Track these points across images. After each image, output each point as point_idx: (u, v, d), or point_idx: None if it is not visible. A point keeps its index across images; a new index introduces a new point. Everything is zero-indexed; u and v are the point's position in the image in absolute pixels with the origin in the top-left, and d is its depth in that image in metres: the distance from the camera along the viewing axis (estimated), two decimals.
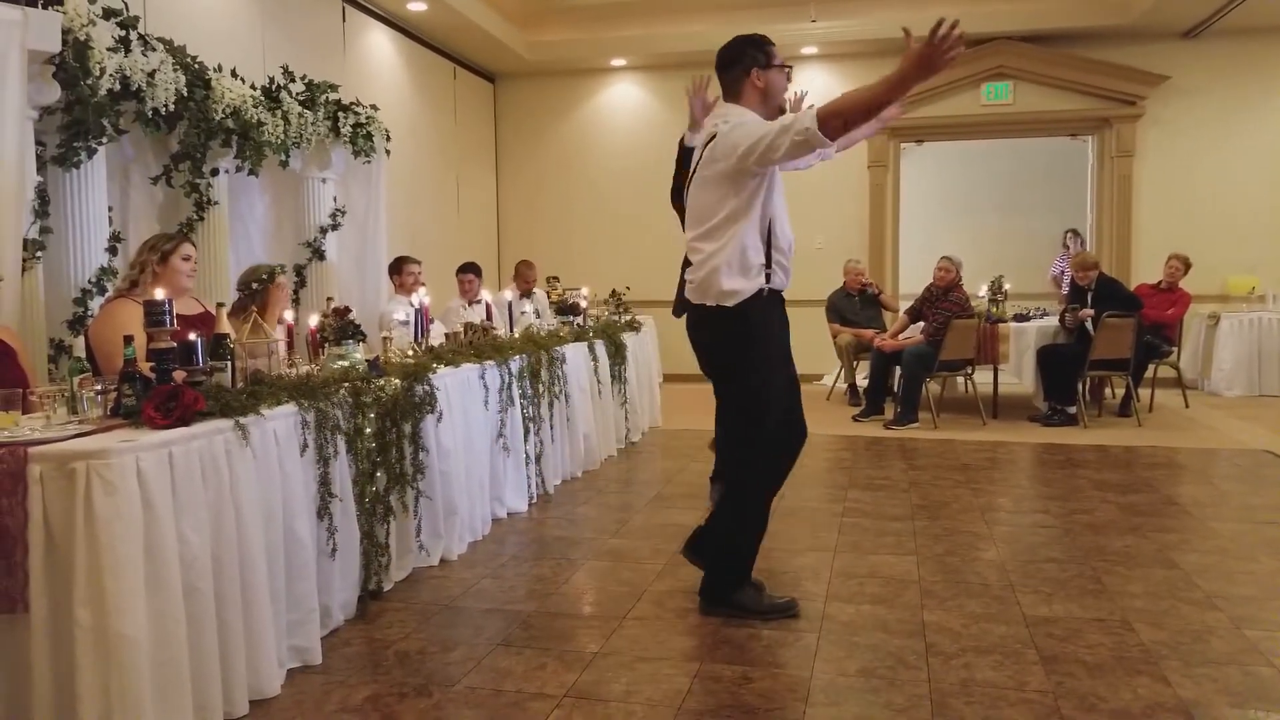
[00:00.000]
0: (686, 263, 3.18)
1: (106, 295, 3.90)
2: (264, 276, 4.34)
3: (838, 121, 2.74)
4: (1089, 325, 6.93)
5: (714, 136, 2.99)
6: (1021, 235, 11.06)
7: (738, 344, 3.05)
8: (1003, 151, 10.81)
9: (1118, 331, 6.81)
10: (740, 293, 3.00)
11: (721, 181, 2.96)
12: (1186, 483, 5.24)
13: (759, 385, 3.06)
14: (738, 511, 3.19)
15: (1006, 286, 7.89)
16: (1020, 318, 7.64)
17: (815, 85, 9.59)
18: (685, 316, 3.24)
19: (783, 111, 3.10)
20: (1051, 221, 10.84)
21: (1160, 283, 7.78)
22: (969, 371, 7.29)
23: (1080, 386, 7.11)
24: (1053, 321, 7.40)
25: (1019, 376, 7.48)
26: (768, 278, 3.03)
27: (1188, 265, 7.73)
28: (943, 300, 7.04)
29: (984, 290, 7.83)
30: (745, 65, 3.02)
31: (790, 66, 3.12)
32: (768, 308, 3.06)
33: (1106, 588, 3.48)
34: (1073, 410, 7.01)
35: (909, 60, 2.65)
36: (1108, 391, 7.87)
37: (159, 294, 2.70)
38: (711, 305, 3.05)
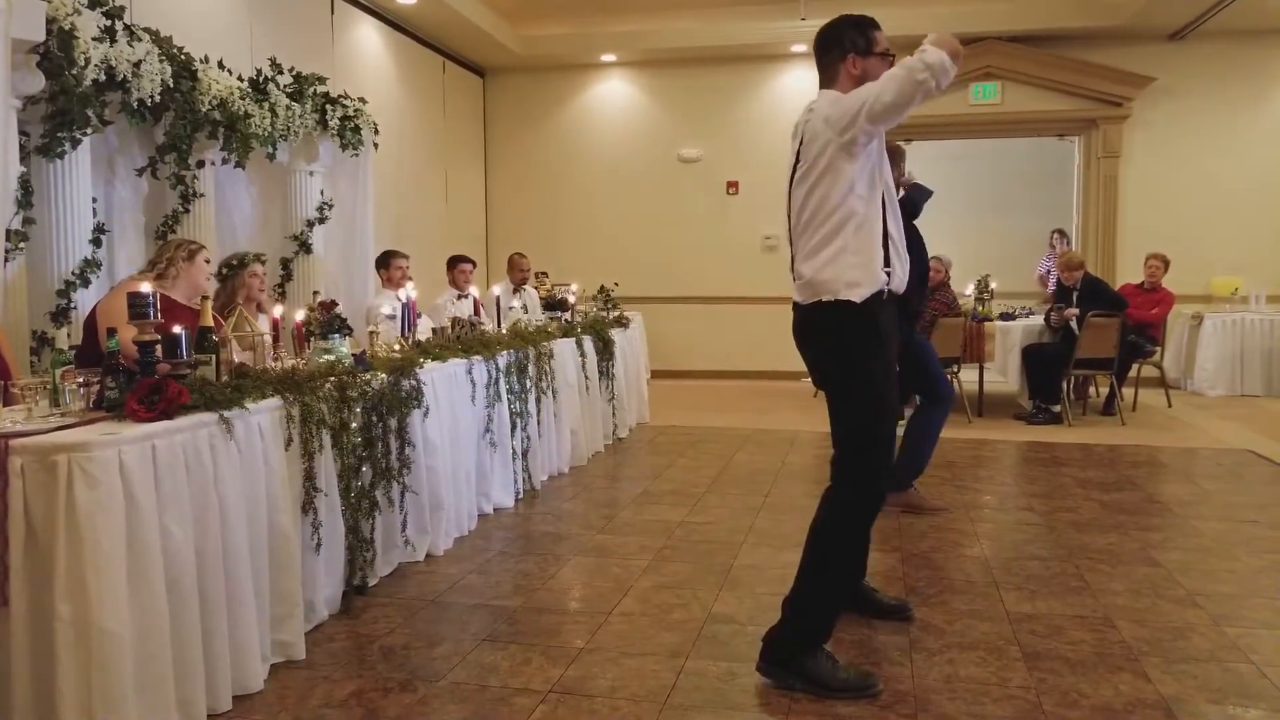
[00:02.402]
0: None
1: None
2: (234, 263, 4.37)
3: (955, 51, 2.48)
4: (1074, 325, 6.98)
5: (806, 123, 2.70)
6: (1008, 235, 11.12)
7: (860, 345, 2.66)
8: (990, 151, 10.86)
9: (1102, 331, 6.86)
10: (863, 285, 2.62)
11: (829, 166, 2.62)
12: (1169, 481, 5.28)
13: (882, 394, 2.67)
14: (836, 547, 2.72)
15: (993, 285, 7.93)
16: (1006, 317, 7.68)
17: (806, 83, 9.72)
18: (793, 325, 2.83)
19: None
20: (1038, 221, 10.89)
21: (1143, 283, 7.83)
22: (955, 370, 7.33)
23: (1065, 385, 7.17)
24: (1038, 320, 7.44)
25: (1004, 375, 7.53)
26: (889, 276, 2.67)
27: (1167, 263, 7.79)
28: (930, 299, 7.07)
29: (970, 289, 7.87)
30: (843, 49, 2.71)
31: (893, 55, 2.73)
32: (888, 309, 2.71)
33: (1089, 585, 3.51)
34: (1057, 409, 7.06)
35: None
36: (1092, 390, 7.92)
37: (144, 287, 2.68)
38: (829, 301, 2.64)
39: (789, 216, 2.79)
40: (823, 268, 2.65)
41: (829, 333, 2.69)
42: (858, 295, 2.61)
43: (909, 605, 3.23)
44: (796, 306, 2.77)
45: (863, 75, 2.68)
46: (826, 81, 2.77)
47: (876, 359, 2.66)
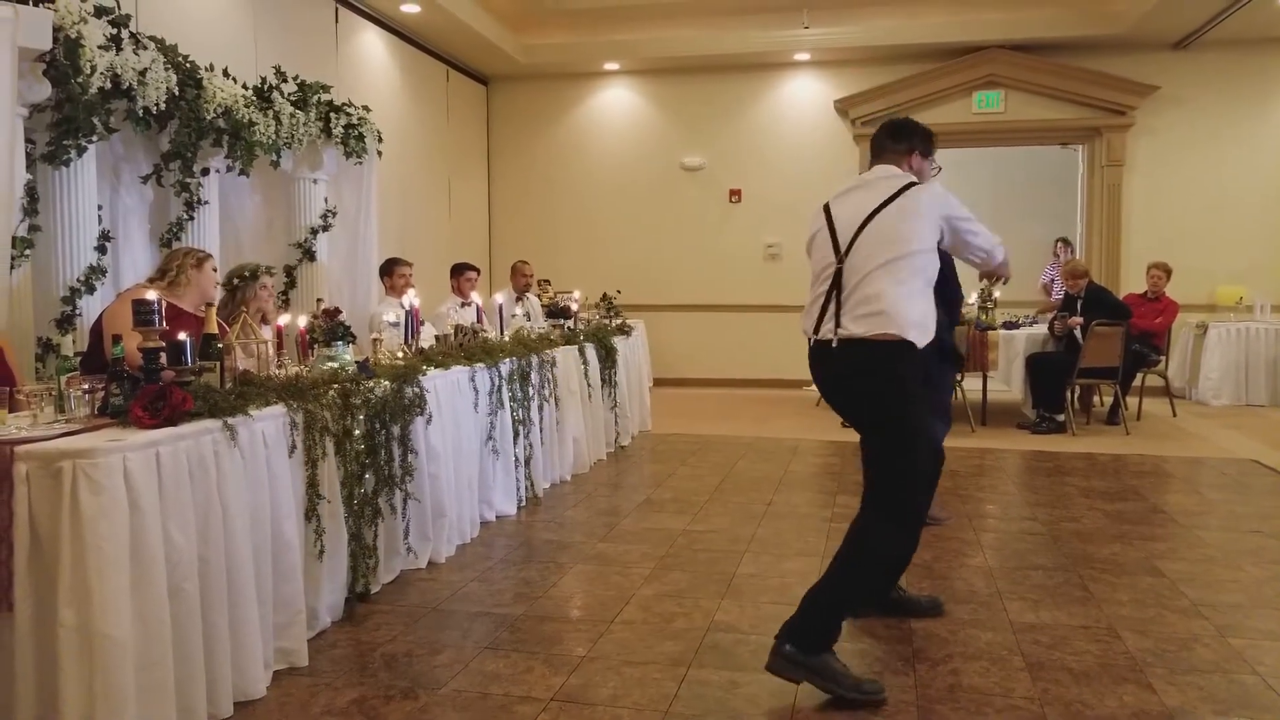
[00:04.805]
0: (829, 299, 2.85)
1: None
2: (246, 275, 4.37)
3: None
4: (1078, 333, 6.97)
5: (908, 186, 2.87)
6: (1011, 243, 11.01)
7: (907, 386, 2.73)
8: (993, 160, 10.86)
9: (1106, 340, 6.85)
10: (926, 329, 2.75)
11: (925, 219, 2.81)
12: (1173, 491, 5.27)
13: (922, 435, 2.80)
14: (869, 564, 2.77)
15: (996, 294, 7.92)
16: (1010, 325, 7.67)
17: (808, 92, 9.74)
18: (824, 359, 2.84)
19: None
20: (1041, 230, 10.89)
21: (1147, 292, 7.83)
22: (958, 378, 7.31)
23: (1069, 394, 7.15)
24: (1042, 329, 7.43)
25: (1008, 384, 7.51)
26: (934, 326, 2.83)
27: (1169, 273, 7.78)
28: None
29: (974, 297, 7.86)
30: (912, 145, 3.07)
31: (940, 168, 3.20)
32: (925, 356, 2.81)
33: (1093, 595, 3.50)
34: (1061, 418, 7.04)
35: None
36: (1096, 400, 7.90)
37: (150, 294, 2.69)
38: (894, 338, 2.69)
39: (846, 244, 2.82)
40: (897, 304, 2.70)
41: (880, 371, 2.73)
42: (920, 339, 2.74)
43: (939, 600, 3.37)
44: (838, 343, 2.75)
45: (917, 171, 3.04)
46: (885, 160, 3.06)
47: (917, 400, 2.77)
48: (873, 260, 2.75)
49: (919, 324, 2.73)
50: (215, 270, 3.96)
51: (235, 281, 4.38)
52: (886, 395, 2.75)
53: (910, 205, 2.82)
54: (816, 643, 2.66)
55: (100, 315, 3.75)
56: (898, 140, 3.09)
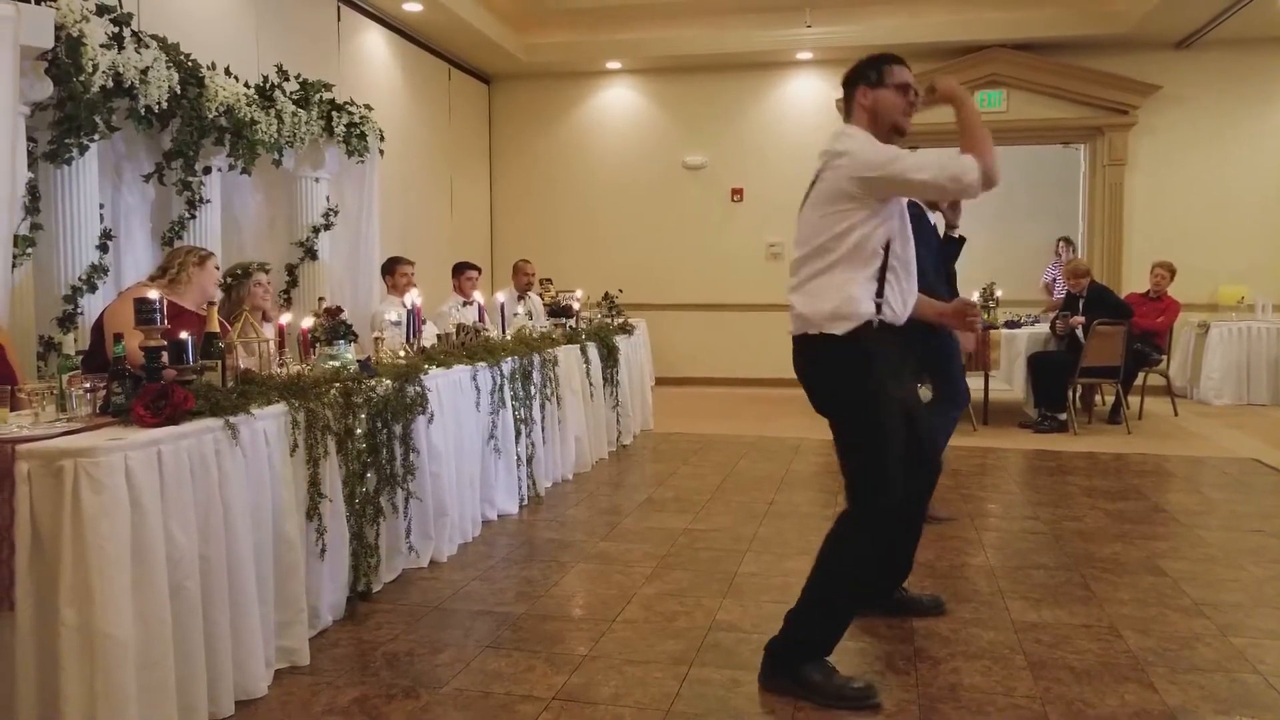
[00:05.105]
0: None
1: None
2: (239, 272, 4.38)
3: (990, 155, 2.65)
4: (1079, 333, 6.96)
5: (833, 153, 2.71)
6: (1013, 243, 11.10)
7: (845, 378, 2.68)
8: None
9: (1108, 339, 6.84)
10: (848, 319, 2.64)
11: (833, 198, 2.66)
12: (1175, 490, 5.26)
13: (872, 425, 2.66)
14: (844, 566, 2.72)
15: (998, 293, 7.92)
16: (1011, 324, 7.67)
17: (810, 91, 9.74)
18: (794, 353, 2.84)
19: (900, 133, 2.81)
20: (1043, 229, 10.87)
21: (1149, 291, 7.82)
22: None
23: (1070, 393, 7.15)
24: (1044, 328, 7.43)
25: (1010, 383, 7.51)
26: (878, 307, 2.67)
27: (1173, 272, 7.77)
28: None
29: (976, 297, 7.85)
30: (855, 82, 2.80)
31: (912, 89, 2.79)
32: (881, 338, 2.68)
33: (1095, 594, 3.50)
34: (1063, 417, 7.04)
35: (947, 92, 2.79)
36: (1098, 399, 7.90)
37: (152, 293, 2.69)
38: (814, 334, 2.69)
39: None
40: (808, 301, 2.70)
41: (818, 366, 2.74)
42: (840, 329, 2.64)
43: (941, 599, 3.35)
44: (793, 338, 2.79)
45: (873, 106, 2.76)
46: (847, 115, 2.86)
47: (871, 393, 2.64)
48: (796, 255, 2.77)
49: (836, 314, 2.64)
50: (218, 269, 3.96)
51: (229, 280, 4.40)
52: (837, 388, 2.72)
53: (822, 189, 2.69)
54: (797, 653, 2.67)
55: (101, 314, 3.75)
56: (847, 87, 2.84)
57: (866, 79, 2.78)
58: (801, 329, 2.73)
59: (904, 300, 2.76)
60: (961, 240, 4.57)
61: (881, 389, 2.66)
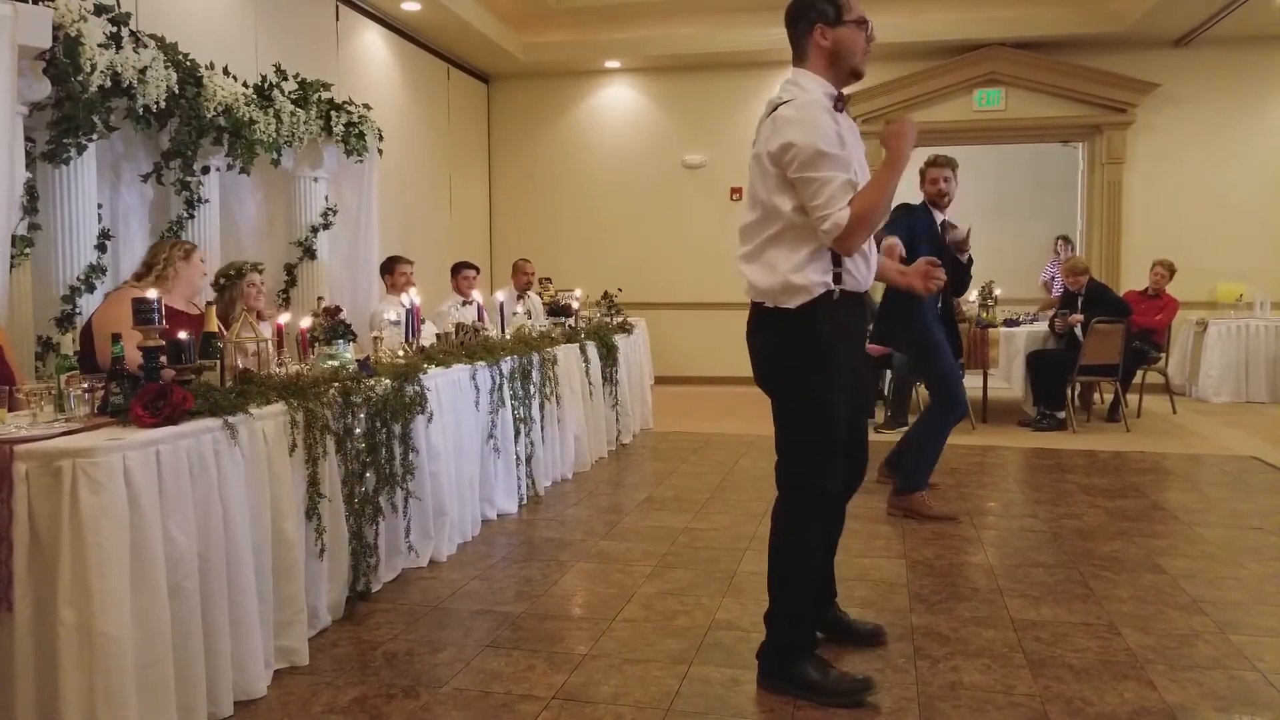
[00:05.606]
0: None
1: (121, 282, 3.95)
2: (232, 273, 4.37)
3: (862, 228, 2.41)
4: (1078, 331, 6.97)
5: (775, 109, 2.51)
6: (1012, 241, 11.11)
7: (797, 352, 2.55)
8: (994, 158, 10.85)
9: (1107, 337, 6.84)
10: (799, 292, 2.51)
11: (764, 176, 2.55)
12: (1174, 488, 5.26)
13: (820, 403, 2.55)
14: (789, 555, 2.64)
15: (997, 292, 7.92)
16: (1010, 323, 7.67)
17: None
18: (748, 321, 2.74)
19: (856, 76, 2.58)
20: (1042, 227, 10.89)
21: (1148, 289, 7.82)
22: (959, 375, 7.31)
23: (1069, 392, 7.15)
24: (1042, 327, 7.43)
25: (1009, 381, 7.51)
26: (837, 276, 2.52)
27: (1172, 270, 7.78)
28: None
29: (974, 295, 7.86)
30: (810, 20, 2.51)
31: (869, 23, 2.52)
32: (838, 312, 2.55)
33: (1094, 592, 3.50)
34: (1062, 415, 7.04)
35: (891, 140, 2.53)
36: (1096, 397, 7.90)
37: (151, 293, 2.69)
38: (770, 307, 2.59)
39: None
40: (760, 272, 2.58)
41: (767, 339, 2.63)
42: (794, 302, 2.53)
43: (883, 629, 3.04)
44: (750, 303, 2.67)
45: (834, 47, 2.51)
46: (797, 59, 2.58)
47: (817, 369, 2.54)
48: (745, 221, 2.65)
49: (788, 287, 2.52)
50: (203, 261, 3.90)
51: (222, 281, 4.40)
52: (774, 360, 2.62)
53: (763, 153, 2.49)
54: (787, 653, 2.65)
55: (90, 318, 3.72)
56: (794, 25, 2.53)
57: (824, 16, 2.50)
58: (758, 298, 2.63)
59: (867, 263, 2.62)
60: (970, 261, 4.74)
61: (835, 373, 2.55)
